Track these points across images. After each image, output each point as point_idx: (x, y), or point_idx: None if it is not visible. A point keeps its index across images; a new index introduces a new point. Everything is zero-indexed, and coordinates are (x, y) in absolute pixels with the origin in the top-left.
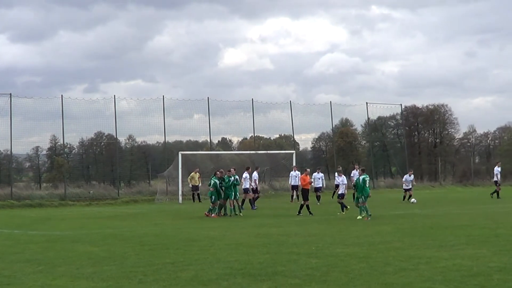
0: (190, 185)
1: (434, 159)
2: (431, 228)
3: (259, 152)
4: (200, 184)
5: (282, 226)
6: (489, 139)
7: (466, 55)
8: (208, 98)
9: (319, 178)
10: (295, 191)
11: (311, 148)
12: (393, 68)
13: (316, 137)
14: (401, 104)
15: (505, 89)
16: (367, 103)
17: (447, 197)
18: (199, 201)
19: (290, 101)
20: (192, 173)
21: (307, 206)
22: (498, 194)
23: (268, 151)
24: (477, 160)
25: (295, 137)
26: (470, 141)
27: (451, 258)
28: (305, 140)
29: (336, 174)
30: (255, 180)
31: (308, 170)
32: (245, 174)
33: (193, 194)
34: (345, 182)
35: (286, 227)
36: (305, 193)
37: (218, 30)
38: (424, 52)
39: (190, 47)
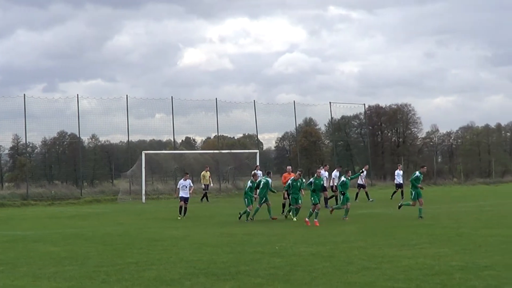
0: (203, 185)
1: (397, 159)
2: (394, 227)
3: (223, 151)
4: (212, 184)
5: (246, 226)
6: (452, 138)
7: (425, 55)
8: (172, 97)
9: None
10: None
11: (274, 147)
12: (352, 68)
13: (280, 136)
14: (364, 104)
15: (464, 89)
16: (330, 102)
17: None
18: (207, 200)
19: (254, 101)
20: (203, 172)
21: (283, 205)
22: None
23: (232, 151)
24: (439, 160)
25: (258, 136)
26: (433, 141)
27: (414, 257)
28: (268, 140)
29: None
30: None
31: (290, 168)
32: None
33: (205, 193)
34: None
35: (249, 226)
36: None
37: (177, 30)
38: (384, 53)
39: (149, 47)
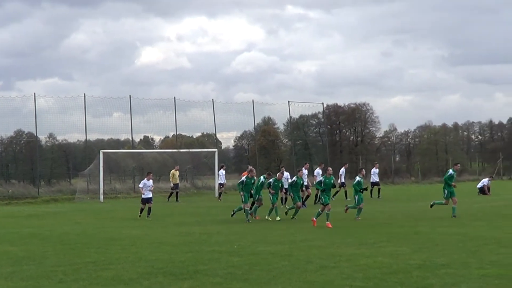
0: (172, 184)
1: (356, 158)
2: (353, 226)
3: (181, 150)
4: (177, 182)
5: (204, 225)
6: (409, 137)
7: (383, 55)
8: (130, 96)
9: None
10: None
11: (233, 146)
12: (310, 67)
13: (238, 135)
14: (322, 103)
15: (421, 88)
16: (288, 101)
17: (368, 195)
18: (177, 200)
19: (212, 100)
20: (173, 171)
21: (253, 204)
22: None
23: (190, 150)
24: (397, 159)
25: (217, 135)
26: (390, 140)
27: (372, 255)
28: (227, 139)
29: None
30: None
31: (251, 167)
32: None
33: (176, 193)
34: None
35: (208, 225)
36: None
37: (134, 28)
38: (341, 52)
39: (107, 46)
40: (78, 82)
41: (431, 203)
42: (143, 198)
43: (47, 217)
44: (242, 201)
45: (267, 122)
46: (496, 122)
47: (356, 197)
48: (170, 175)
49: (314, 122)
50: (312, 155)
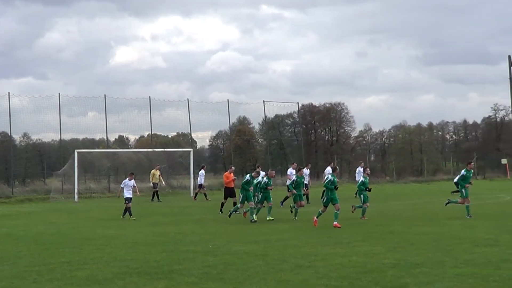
0: (151, 184)
1: (331, 157)
2: (328, 226)
3: (157, 150)
4: (163, 183)
5: (179, 225)
6: (384, 137)
7: (357, 55)
8: (105, 95)
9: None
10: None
11: (208, 146)
12: (285, 67)
13: (214, 135)
14: (297, 103)
15: (396, 88)
16: (264, 101)
17: (343, 195)
18: (158, 200)
19: (188, 99)
20: (153, 170)
21: (222, 204)
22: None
23: (166, 149)
24: (372, 158)
25: (192, 135)
26: (365, 139)
27: (347, 255)
28: (202, 138)
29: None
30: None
31: (233, 168)
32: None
33: (156, 192)
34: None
35: (183, 225)
36: (227, 191)
37: (109, 28)
38: (316, 52)
39: (81, 45)
40: (53, 82)
41: (447, 201)
42: (127, 198)
43: (21, 217)
44: (246, 200)
45: (242, 122)
46: (471, 122)
47: (362, 197)
48: (151, 174)
49: (289, 122)
50: (287, 155)
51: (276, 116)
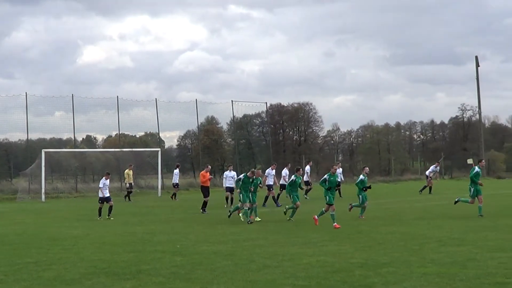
0: (127, 184)
1: (299, 157)
2: (295, 226)
3: (124, 149)
4: (129, 183)
5: (147, 225)
6: (352, 137)
7: (325, 55)
8: (72, 95)
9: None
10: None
11: (176, 145)
12: (253, 66)
13: (182, 134)
14: (266, 103)
15: (364, 88)
16: (232, 101)
17: (312, 195)
18: (129, 200)
19: (156, 99)
20: (127, 170)
21: (204, 204)
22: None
23: (133, 149)
24: (340, 158)
25: (160, 134)
26: (333, 139)
27: (315, 254)
28: (170, 138)
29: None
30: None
31: (209, 167)
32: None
33: (129, 192)
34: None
35: (151, 225)
36: (203, 190)
37: (76, 27)
38: (284, 51)
39: (48, 44)
40: (19, 81)
41: (456, 199)
42: (101, 198)
43: None
44: (240, 200)
45: (211, 122)
46: (438, 122)
47: (360, 196)
48: (125, 174)
49: (258, 122)
50: (255, 154)
51: (244, 116)
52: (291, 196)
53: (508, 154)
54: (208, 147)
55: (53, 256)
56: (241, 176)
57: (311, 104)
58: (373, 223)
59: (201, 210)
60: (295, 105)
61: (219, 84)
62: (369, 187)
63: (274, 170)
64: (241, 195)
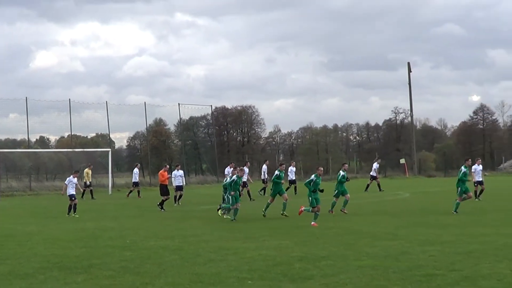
0: (88, 182)
1: (242, 157)
2: (239, 222)
3: (76, 150)
4: (88, 182)
5: (98, 221)
6: (293, 138)
7: (267, 61)
8: (26, 98)
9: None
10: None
11: (126, 146)
12: (199, 71)
13: (131, 135)
14: (211, 105)
15: (303, 92)
16: (179, 104)
17: (253, 193)
18: (92, 197)
19: (106, 102)
20: (86, 169)
21: (162, 201)
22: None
23: (85, 149)
24: (281, 158)
25: (110, 135)
26: (275, 140)
27: (257, 249)
28: (120, 139)
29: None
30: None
31: (167, 166)
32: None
33: (90, 190)
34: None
35: (102, 221)
36: (162, 188)
37: (29, 33)
38: (228, 57)
39: (2, 49)
40: None
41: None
42: (71, 195)
43: None
44: (231, 202)
45: (159, 123)
46: (373, 124)
47: (338, 190)
48: (84, 173)
49: (203, 124)
50: (201, 155)
51: (191, 118)
52: (311, 198)
53: (438, 154)
54: (156, 147)
55: (8, 251)
56: (234, 177)
57: (253, 107)
58: (312, 219)
59: (159, 208)
60: (239, 108)
61: (167, 88)
62: (322, 191)
63: (232, 169)
64: (229, 196)
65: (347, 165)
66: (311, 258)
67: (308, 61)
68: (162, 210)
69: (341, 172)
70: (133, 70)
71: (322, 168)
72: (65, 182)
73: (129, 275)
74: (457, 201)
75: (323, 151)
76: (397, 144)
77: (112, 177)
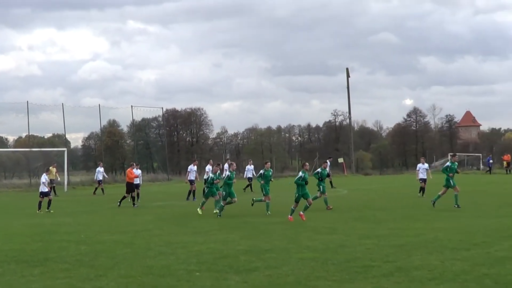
0: (49, 179)
1: (191, 156)
2: (187, 217)
3: (34, 149)
4: (58, 179)
5: (54, 217)
6: (239, 138)
7: (214, 66)
8: None
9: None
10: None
11: (81, 146)
12: (150, 76)
13: (86, 136)
14: (162, 108)
15: (248, 95)
16: (132, 106)
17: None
18: (55, 194)
19: (62, 104)
20: (51, 167)
21: (123, 198)
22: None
23: (42, 149)
24: (228, 157)
25: (66, 136)
26: (222, 141)
27: (205, 242)
28: (75, 139)
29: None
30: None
31: (134, 164)
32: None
33: (53, 187)
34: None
35: (58, 217)
36: (130, 186)
37: None
38: (178, 62)
39: None
40: None
41: (455, 205)
42: (42, 192)
43: None
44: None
45: (112, 124)
46: (314, 126)
47: (321, 187)
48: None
49: (155, 125)
50: (152, 154)
51: (143, 119)
52: (263, 188)
53: (374, 154)
54: (110, 147)
55: None
56: (227, 172)
57: (202, 109)
58: (257, 214)
59: (132, 204)
60: (188, 110)
61: (120, 91)
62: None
63: (196, 167)
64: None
65: (326, 164)
66: (256, 251)
67: (252, 66)
68: (119, 205)
69: (319, 169)
70: (88, 74)
71: (308, 164)
72: (42, 180)
73: (84, 268)
74: (455, 192)
75: (267, 150)
76: (336, 144)
77: (68, 175)
